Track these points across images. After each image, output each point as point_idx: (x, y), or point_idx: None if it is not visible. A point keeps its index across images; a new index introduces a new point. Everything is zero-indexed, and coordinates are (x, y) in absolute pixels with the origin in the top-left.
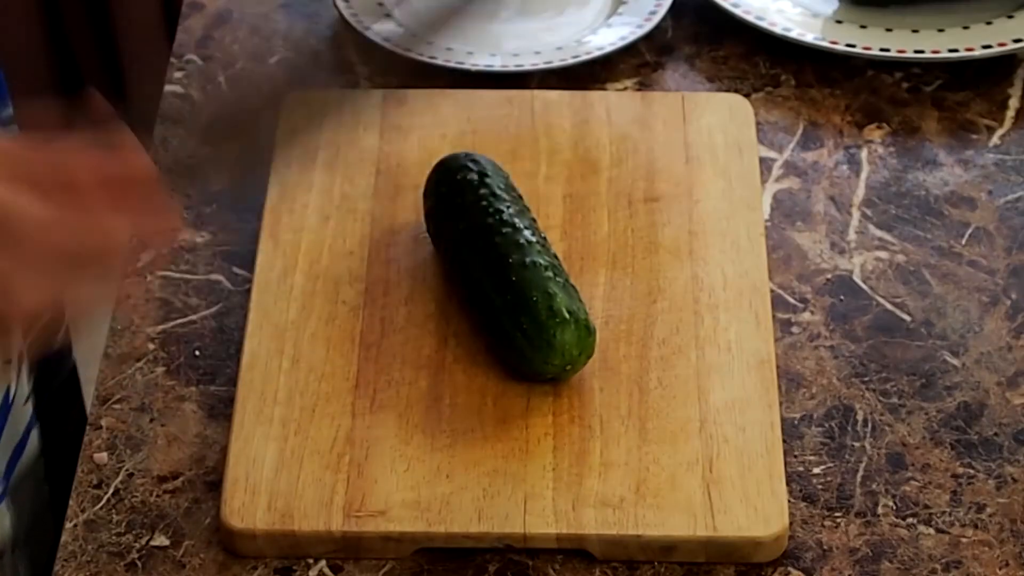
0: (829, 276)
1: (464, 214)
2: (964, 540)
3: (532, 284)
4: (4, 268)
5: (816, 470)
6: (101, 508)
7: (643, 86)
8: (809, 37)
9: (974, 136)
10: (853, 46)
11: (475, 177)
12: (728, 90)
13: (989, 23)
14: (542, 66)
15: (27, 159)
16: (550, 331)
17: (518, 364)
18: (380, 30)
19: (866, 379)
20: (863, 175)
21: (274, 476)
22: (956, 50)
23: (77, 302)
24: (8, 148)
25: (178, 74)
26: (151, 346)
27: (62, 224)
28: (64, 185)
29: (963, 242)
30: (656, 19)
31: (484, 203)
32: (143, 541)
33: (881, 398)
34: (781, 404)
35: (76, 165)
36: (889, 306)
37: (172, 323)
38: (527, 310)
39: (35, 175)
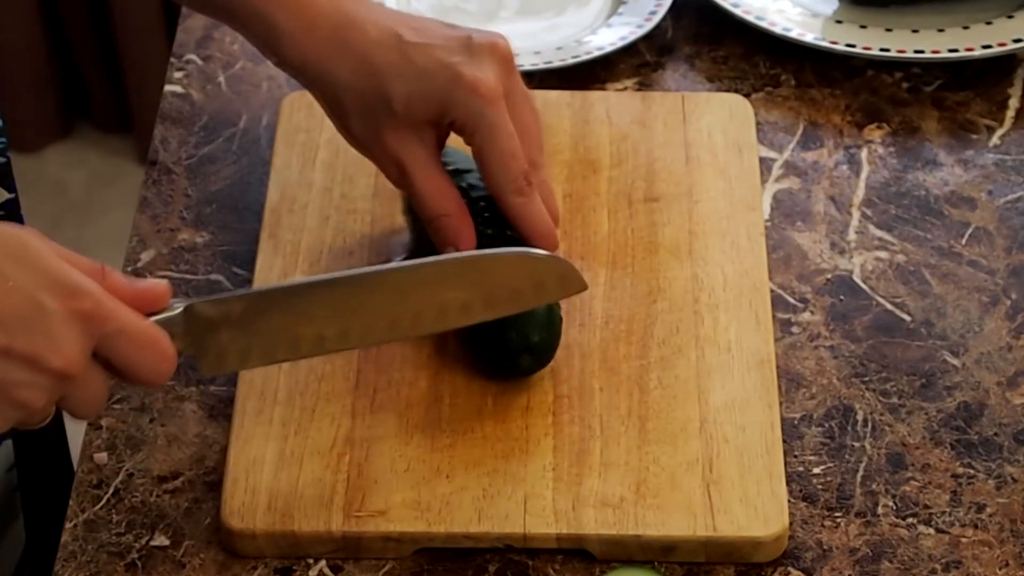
0: (829, 276)
1: None
2: (964, 540)
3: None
4: None
5: (816, 470)
6: (101, 508)
7: (643, 86)
8: (809, 37)
9: (974, 136)
10: (853, 46)
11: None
12: (728, 90)
13: (989, 23)
14: (542, 66)
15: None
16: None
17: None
18: None
19: (866, 379)
20: (863, 175)
21: (274, 476)
22: (956, 50)
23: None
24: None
25: (178, 74)
26: None
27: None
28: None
29: (963, 242)
30: (656, 19)
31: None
32: (143, 541)
33: (881, 398)
34: (781, 404)
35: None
36: (889, 306)
37: None
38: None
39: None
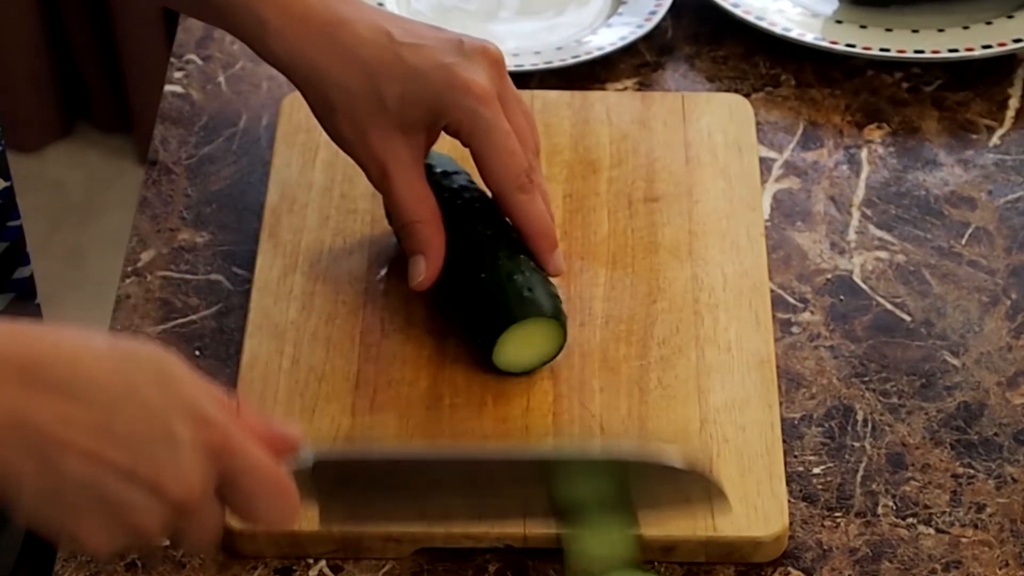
0: (829, 276)
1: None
2: (964, 540)
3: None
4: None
5: (816, 470)
6: None
7: (643, 86)
8: (809, 37)
9: (974, 136)
10: (853, 46)
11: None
12: (728, 90)
13: (989, 23)
14: (542, 66)
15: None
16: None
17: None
18: None
19: (866, 379)
20: (863, 175)
21: None
22: (956, 50)
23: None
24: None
25: (178, 74)
26: None
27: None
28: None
29: (963, 242)
30: (656, 19)
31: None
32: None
33: (881, 398)
34: (781, 404)
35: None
36: (889, 306)
37: (172, 323)
38: (487, 312)
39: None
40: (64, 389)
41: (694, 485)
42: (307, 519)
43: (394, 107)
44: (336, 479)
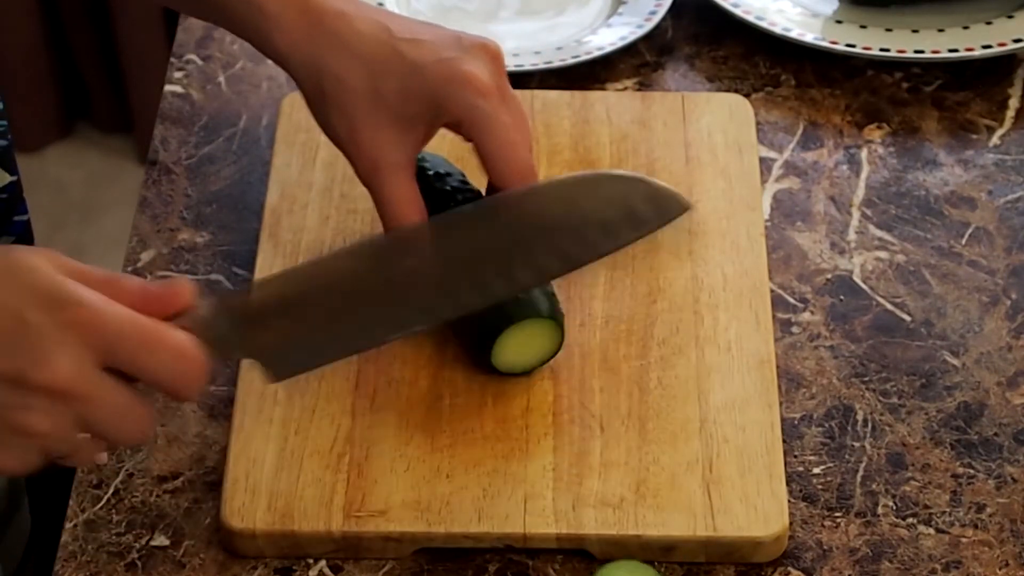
0: (829, 276)
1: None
2: (964, 540)
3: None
4: None
5: (816, 470)
6: (101, 508)
7: (643, 86)
8: (809, 37)
9: (974, 136)
10: (853, 46)
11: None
12: (728, 90)
13: (989, 23)
14: (542, 66)
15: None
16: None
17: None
18: None
19: (866, 379)
20: (863, 175)
21: (274, 476)
22: (956, 50)
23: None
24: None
25: (178, 74)
26: None
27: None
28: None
29: (963, 242)
30: (656, 19)
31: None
32: (143, 541)
33: (881, 398)
34: (781, 404)
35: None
36: (889, 306)
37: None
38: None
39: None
40: None
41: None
42: (307, 519)
43: (392, 101)
44: (256, 318)
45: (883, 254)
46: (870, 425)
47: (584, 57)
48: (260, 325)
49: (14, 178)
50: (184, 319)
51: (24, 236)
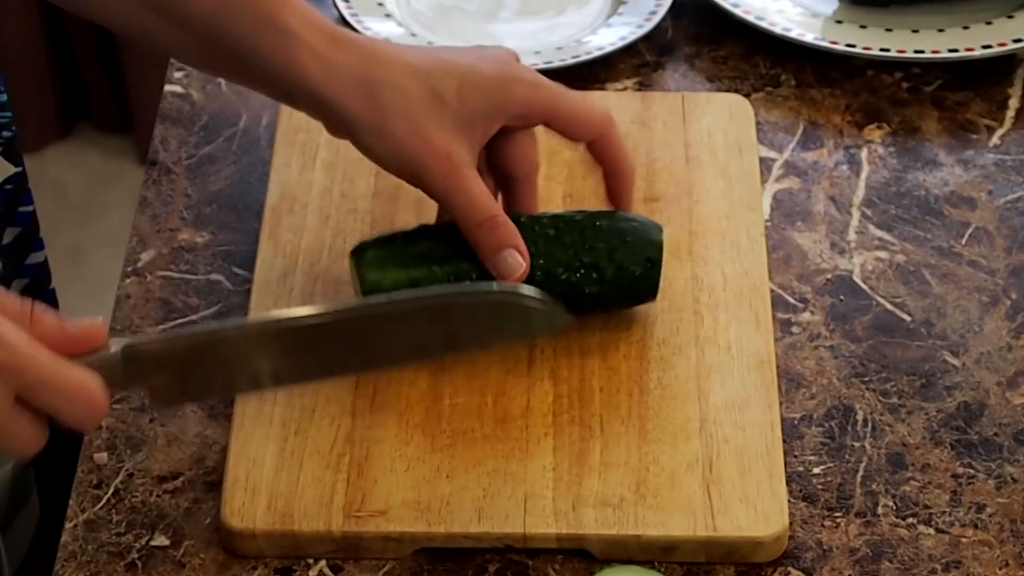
0: (829, 276)
1: None
2: (964, 540)
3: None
4: None
5: (816, 470)
6: (101, 508)
7: (643, 86)
8: (809, 37)
9: (974, 136)
10: (853, 46)
11: None
12: (728, 90)
13: (989, 23)
14: (542, 66)
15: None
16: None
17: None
18: (380, 30)
19: (866, 379)
20: (863, 175)
21: (274, 476)
22: (956, 50)
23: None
24: None
25: (178, 74)
26: None
27: None
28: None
29: (963, 242)
30: (656, 19)
31: None
32: (143, 541)
33: (881, 398)
34: (781, 404)
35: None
36: (889, 306)
37: (172, 323)
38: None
39: None
40: None
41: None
42: (307, 519)
43: (453, 101)
44: (149, 365)
45: (883, 254)
46: (870, 425)
47: (584, 57)
48: (157, 368)
49: (19, 169)
50: (91, 356)
51: (30, 227)
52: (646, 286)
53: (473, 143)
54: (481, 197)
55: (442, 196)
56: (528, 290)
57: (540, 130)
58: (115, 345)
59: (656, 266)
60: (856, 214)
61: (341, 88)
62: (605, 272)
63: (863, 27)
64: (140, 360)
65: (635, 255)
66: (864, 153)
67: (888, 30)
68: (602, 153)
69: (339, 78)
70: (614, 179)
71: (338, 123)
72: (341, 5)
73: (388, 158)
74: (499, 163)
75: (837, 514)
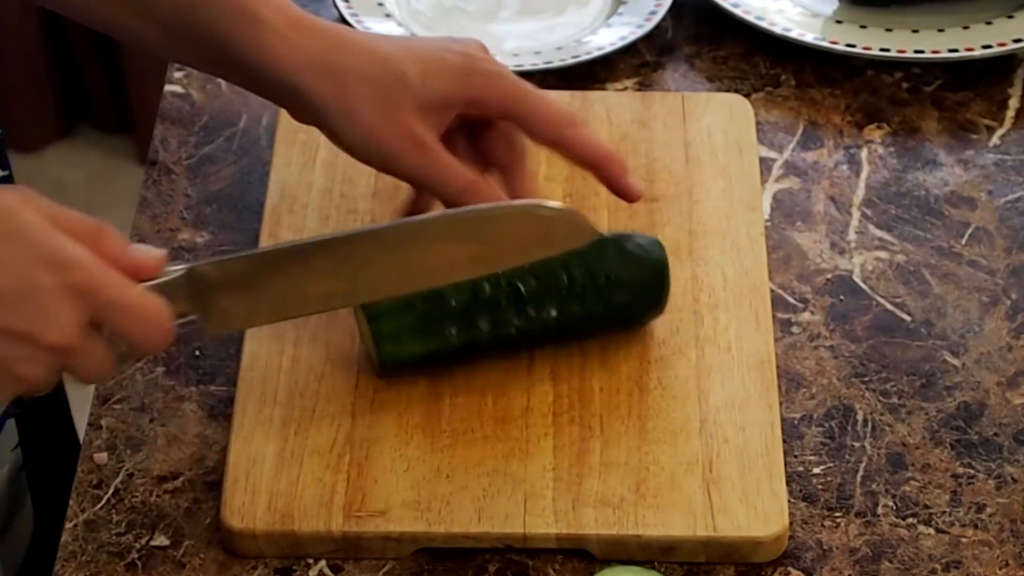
0: (829, 276)
1: None
2: (964, 540)
3: None
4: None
5: (816, 470)
6: (101, 508)
7: (643, 86)
8: (809, 37)
9: (974, 136)
10: (853, 46)
11: None
12: (728, 90)
13: (989, 23)
14: (542, 66)
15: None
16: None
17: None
18: (380, 30)
19: (866, 379)
20: (863, 175)
21: (274, 476)
22: (956, 50)
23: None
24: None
25: (178, 74)
26: None
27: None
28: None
29: (963, 242)
30: (656, 19)
31: None
32: (143, 541)
33: (881, 398)
34: (781, 404)
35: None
36: (889, 306)
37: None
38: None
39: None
40: None
41: (555, 223)
42: (307, 519)
43: (416, 83)
44: (210, 287)
45: (883, 254)
46: (870, 425)
47: (584, 57)
48: (217, 290)
49: (5, 172)
50: (155, 281)
51: None
52: (653, 316)
53: (434, 127)
54: (455, 166)
55: (415, 175)
56: (550, 202)
57: None
58: (179, 268)
59: (662, 303)
60: (856, 214)
61: (308, 74)
62: (613, 321)
63: (863, 27)
64: (203, 282)
65: (643, 309)
66: (864, 153)
67: (888, 30)
68: (574, 150)
69: (306, 64)
70: (600, 171)
71: (305, 109)
72: (341, 5)
73: (357, 143)
74: (486, 153)
75: (837, 514)
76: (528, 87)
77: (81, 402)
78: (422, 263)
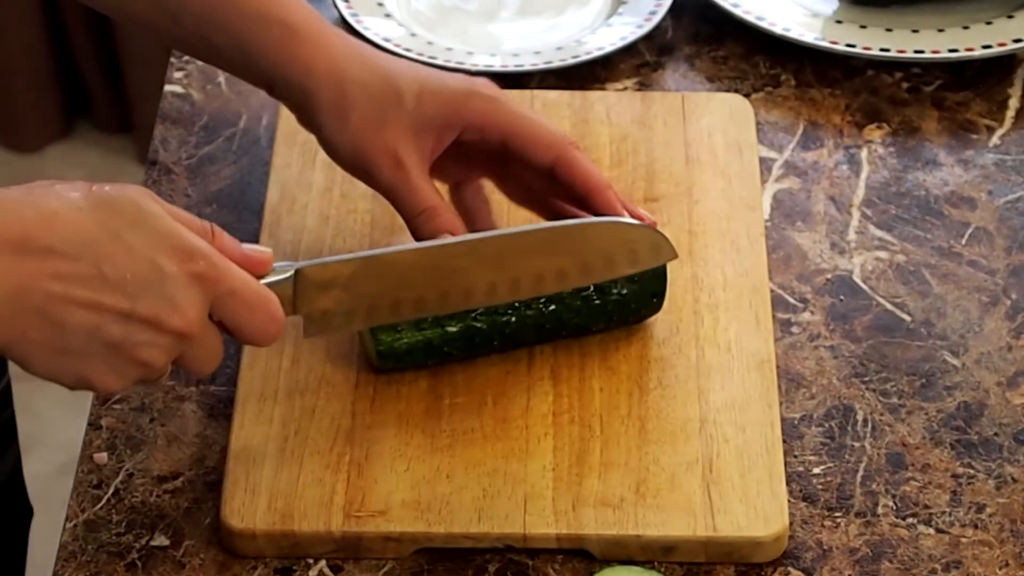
0: (829, 276)
1: None
2: (964, 540)
3: None
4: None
5: (816, 470)
6: (101, 508)
7: (643, 86)
8: (809, 37)
9: (974, 136)
10: (853, 46)
11: None
12: (728, 90)
13: (989, 23)
14: (542, 66)
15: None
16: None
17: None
18: (380, 30)
19: (866, 379)
20: (863, 175)
21: (274, 476)
22: (956, 50)
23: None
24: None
25: (178, 74)
26: None
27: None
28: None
29: (963, 242)
30: (656, 19)
31: None
32: (143, 541)
33: (881, 398)
34: (781, 404)
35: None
36: (889, 306)
37: None
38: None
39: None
40: (53, 249)
41: (640, 239)
42: (307, 519)
43: (411, 103)
44: (315, 289)
45: (883, 254)
46: (870, 425)
47: (584, 57)
48: (320, 292)
49: None
50: (266, 279)
51: None
52: (651, 311)
53: (425, 148)
54: (423, 190)
55: (386, 190)
56: (630, 219)
57: None
58: (287, 268)
59: (661, 298)
60: (856, 214)
61: (317, 82)
62: (612, 316)
63: (863, 27)
64: (309, 283)
65: (640, 300)
66: (864, 153)
67: (888, 30)
68: (567, 174)
69: (318, 72)
70: (592, 198)
71: (309, 115)
72: (341, 5)
73: (345, 152)
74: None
75: (837, 514)
76: (522, 112)
77: (33, 460)
78: (513, 275)
